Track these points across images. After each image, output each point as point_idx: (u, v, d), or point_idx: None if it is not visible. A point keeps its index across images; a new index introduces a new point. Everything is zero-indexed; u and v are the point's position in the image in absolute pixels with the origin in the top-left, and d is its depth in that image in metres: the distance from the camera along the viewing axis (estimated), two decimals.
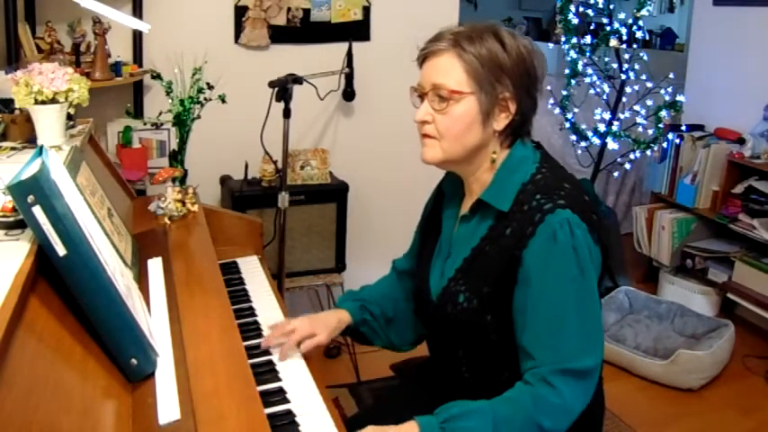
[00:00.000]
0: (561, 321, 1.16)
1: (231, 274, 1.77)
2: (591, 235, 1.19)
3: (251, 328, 1.49)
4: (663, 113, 3.26)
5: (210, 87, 2.25)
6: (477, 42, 1.22)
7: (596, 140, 3.33)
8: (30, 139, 1.66)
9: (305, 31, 2.76)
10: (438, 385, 1.41)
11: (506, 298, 1.22)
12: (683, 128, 3.49)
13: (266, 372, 1.32)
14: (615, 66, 3.35)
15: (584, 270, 1.17)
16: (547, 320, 1.16)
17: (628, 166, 3.57)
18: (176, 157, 2.33)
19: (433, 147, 1.27)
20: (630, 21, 3.23)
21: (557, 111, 3.48)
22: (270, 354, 1.39)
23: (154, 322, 1.25)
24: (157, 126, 2.45)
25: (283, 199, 2.41)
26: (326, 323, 1.44)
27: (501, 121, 1.25)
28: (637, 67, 3.32)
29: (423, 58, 1.28)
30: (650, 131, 3.31)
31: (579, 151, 3.46)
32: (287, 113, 2.34)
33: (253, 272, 1.80)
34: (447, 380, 1.38)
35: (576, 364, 1.16)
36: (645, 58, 3.35)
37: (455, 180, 1.39)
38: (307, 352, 1.40)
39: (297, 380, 1.31)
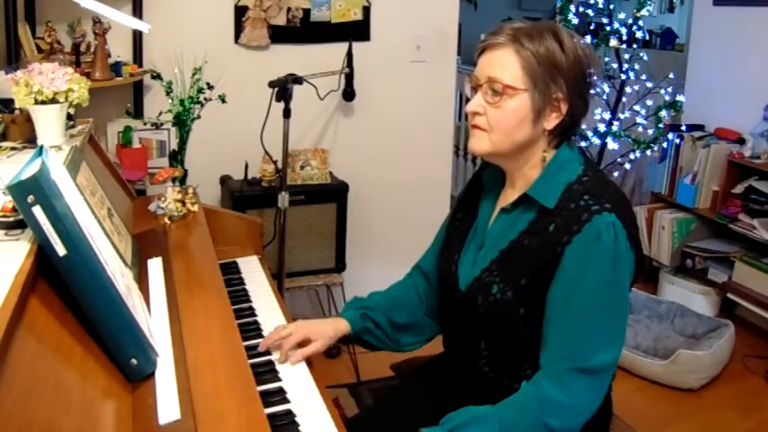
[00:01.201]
0: (588, 320, 1.17)
1: (231, 274, 1.77)
2: (629, 242, 1.20)
3: (251, 328, 1.49)
4: (663, 113, 3.25)
5: (210, 87, 2.25)
6: (536, 40, 1.23)
7: (596, 140, 3.33)
8: (30, 139, 1.66)
9: (305, 31, 2.76)
10: (450, 381, 1.41)
11: (542, 292, 1.22)
12: (683, 128, 3.49)
13: (266, 372, 1.32)
14: (615, 66, 3.35)
15: (619, 275, 1.19)
16: (574, 317, 1.18)
17: (628, 166, 3.56)
18: (176, 157, 2.33)
19: (482, 138, 1.28)
20: (630, 21, 3.23)
21: None
22: (270, 354, 1.39)
23: (154, 322, 1.25)
24: (157, 126, 2.45)
25: (283, 199, 2.41)
26: (323, 331, 1.42)
27: (551, 121, 1.26)
28: (637, 67, 3.32)
29: (480, 51, 1.28)
30: (650, 131, 3.30)
31: None
32: (287, 113, 2.34)
33: (253, 272, 1.80)
34: (462, 374, 1.38)
35: (592, 362, 1.17)
36: (645, 58, 3.35)
37: (496, 171, 1.39)
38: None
39: (297, 380, 1.31)
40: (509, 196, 1.34)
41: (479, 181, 1.45)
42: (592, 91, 1.30)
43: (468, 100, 1.31)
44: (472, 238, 1.39)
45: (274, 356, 1.38)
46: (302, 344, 1.39)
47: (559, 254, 1.20)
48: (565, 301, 1.19)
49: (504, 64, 1.23)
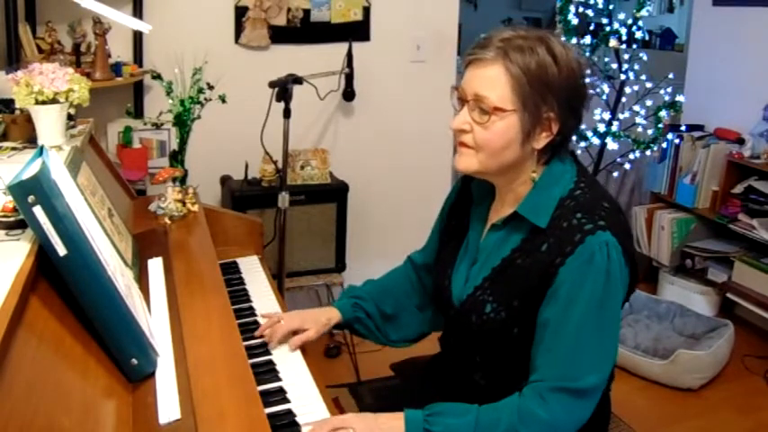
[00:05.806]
0: (577, 342, 1.15)
1: (231, 274, 1.78)
2: (624, 257, 1.18)
3: (251, 328, 1.49)
4: (662, 113, 3.25)
5: (211, 87, 2.26)
6: (526, 53, 1.16)
7: (596, 140, 3.33)
8: (30, 140, 1.67)
9: (305, 31, 2.76)
10: (448, 384, 1.41)
11: (535, 312, 1.20)
12: (683, 128, 3.49)
13: (266, 372, 1.33)
14: (615, 66, 3.35)
15: (612, 294, 1.17)
16: (564, 338, 1.15)
17: (627, 166, 3.56)
18: (176, 157, 2.34)
19: (469, 156, 1.23)
20: (630, 21, 3.23)
21: None
22: (270, 354, 1.39)
23: (154, 322, 1.25)
24: (158, 126, 2.45)
25: (283, 199, 2.41)
26: (315, 319, 1.47)
27: (541, 141, 1.21)
28: (636, 67, 3.32)
29: (468, 62, 1.22)
30: (650, 131, 3.30)
31: (579, 151, 3.46)
32: (287, 113, 2.35)
33: (253, 272, 1.80)
34: (458, 382, 1.38)
35: (578, 384, 1.15)
36: (644, 58, 3.35)
37: (484, 184, 1.35)
38: (301, 347, 1.42)
39: (297, 380, 1.31)
40: (499, 211, 1.31)
41: (468, 191, 1.41)
42: (591, 91, 1.29)
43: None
44: (465, 253, 1.36)
45: (274, 356, 1.38)
46: (296, 333, 1.44)
47: (552, 275, 1.17)
48: (556, 323, 1.16)
49: (492, 82, 1.17)
